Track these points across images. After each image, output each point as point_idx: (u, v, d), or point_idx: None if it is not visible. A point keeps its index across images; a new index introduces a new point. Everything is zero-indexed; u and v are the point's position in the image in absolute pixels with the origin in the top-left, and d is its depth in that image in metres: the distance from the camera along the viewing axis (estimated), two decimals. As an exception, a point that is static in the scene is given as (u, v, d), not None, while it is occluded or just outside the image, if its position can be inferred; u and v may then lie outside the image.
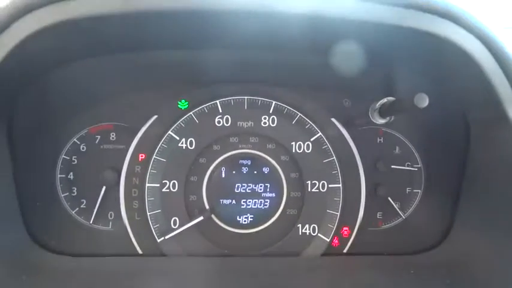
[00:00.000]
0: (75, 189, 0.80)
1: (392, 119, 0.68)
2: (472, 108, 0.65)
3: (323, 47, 0.63)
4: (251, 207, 0.80)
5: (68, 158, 0.80)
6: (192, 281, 0.65)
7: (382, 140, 0.83)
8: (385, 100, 0.66)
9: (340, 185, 0.77)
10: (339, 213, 0.77)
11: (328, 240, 0.77)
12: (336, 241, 0.79)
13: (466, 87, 0.61)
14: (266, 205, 0.79)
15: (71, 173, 0.80)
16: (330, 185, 0.78)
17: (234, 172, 0.79)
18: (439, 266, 0.68)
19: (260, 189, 0.80)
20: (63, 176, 0.80)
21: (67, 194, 0.80)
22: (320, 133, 0.78)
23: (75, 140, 0.80)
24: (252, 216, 0.79)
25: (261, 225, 0.79)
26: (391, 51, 0.60)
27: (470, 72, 0.57)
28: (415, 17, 0.53)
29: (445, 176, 0.78)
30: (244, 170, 0.80)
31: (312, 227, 0.78)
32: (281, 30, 0.55)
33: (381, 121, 0.68)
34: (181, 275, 0.67)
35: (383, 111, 0.66)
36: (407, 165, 0.83)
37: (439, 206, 0.79)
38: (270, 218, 0.79)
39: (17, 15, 0.47)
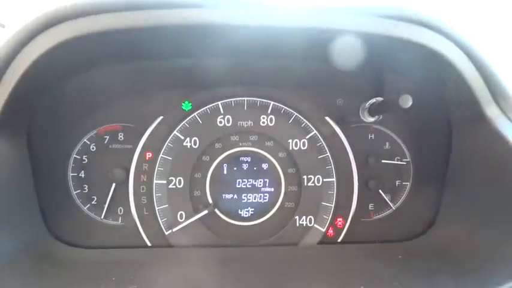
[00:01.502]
0: (87, 186, 0.85)
1: (380, 117, 0.74)
2: (454, 108, 0.71)
3: (318, 55, 0.69)
4: (251, 201, 0.85)
5: (79, 157, 0.85)
6: (197, 269, 0.71)
7: (373, 136, 0.89)
8: (374, 100, 0.72)
9: (334, 179, 0.83)
10: (333, 206, 0.83)
11: (323, 230, 0.83)
12: (331, 231, 0.85)
13: (448, 90, 0.66)
14: (265, 199, 0.85)
15: (82, 172, 0.85)
16: (324, 179, 0.83)
17: (235, 168, 0.85)
18: (426, 251, 0.74)
19: (260, 184, 0.85)
20: (75, 174, 0.85)
21: (79, 191, 0.85)
22: (315, 131, 0.83)
23: (85, 140, 0.85)
24: (252, 209, 0.85)
25: (261, 217, 0.85)
26: (381, 57, 0.66)
27: (452, 77, 0.62)
28: (404, 29, 0.59)
29: (432, 169, 0.84)
30: (245, 166, 0.85)
31: (308, 218, 0.84)
32: (279, 42, 0.60)
33: (370, 119, 0.74)
34: (187, 264, 0.73)
35: (372, 110, 0.72)
36: (397, 160, 0.89)
37: (426, 197, 0.85)
38: (269, 211, 0.85)
39: (34, 32, 0.53)
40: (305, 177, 0.83)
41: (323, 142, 0.83)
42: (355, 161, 0.85)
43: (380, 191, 0.88)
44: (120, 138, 0.86)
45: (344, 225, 0.84)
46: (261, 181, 0.85)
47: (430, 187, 0.84)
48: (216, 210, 0.83)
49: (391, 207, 0.88)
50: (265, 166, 0.85)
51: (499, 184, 0.64)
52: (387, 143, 0.89)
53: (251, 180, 0.85)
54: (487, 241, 0.65)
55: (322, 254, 0.78)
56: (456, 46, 0.58)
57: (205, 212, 0.81)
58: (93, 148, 0.86)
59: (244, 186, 0.85)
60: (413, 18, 0.56)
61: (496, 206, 0.65)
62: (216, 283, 0.63)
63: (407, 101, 0.59)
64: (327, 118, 0.85)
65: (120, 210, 0.86)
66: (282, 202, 0.85)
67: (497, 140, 0.63)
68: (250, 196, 0.85)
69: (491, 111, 0.64)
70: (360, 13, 0.56)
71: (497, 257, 0.61)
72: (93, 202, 0.86)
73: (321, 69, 0.77)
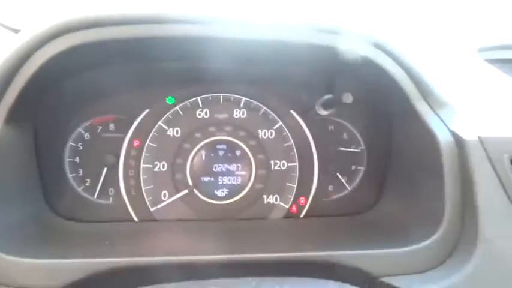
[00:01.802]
0: (81, 170, 0.97)
1: (332, 111, 0.87)
2: (392, 104, 0.85)
3: (282, 60, 0.83)
4: (226, 183, 0.98)
5: (74, 144, 0.97)
6: (179, 238, 0.84)
7: (332, 127, 1.02)
8: (326, 97, 0.86)
9: (297, 164, 0.97)
10: (295, 186, 0.97)
11: (287, 207, 0.97)
12: (295, 208, 0.98)
13: (385, 89, 0.80)
14: (238, 181, 0.98)
15: (77, 157, 0.97)
16: (289, 164, 0.97)
17: (212, 155, 0.97)
18: (372, 221, 0.89)
19: (234, 168, 0.98)
20: (71, 159, 0.97)
21: (74, 174, 0.96)
22: (281, 122, 0.97)
23: (80, 130, 0.97)
24: (227, 190, 0.98)
25: (235, 197, 0.98)
26: (330, 63, 0.80)
27: (386, 80, 0.76)
28: (343, 41, 0.72)
29: (381, 155, 0.98)
30: (221, 153, 0.98)
31: (274, 197, 0.97)
32: (249, 50, 0.74)
33: (324, 112, 0.88)
34: (170, 234, 0.86)
35: (325, 105, 0.86)
36: (353, 148, 1.03)
37: (376, 179, 0.99)
38: (242, 191, 0.98)
39: (46, 39, 0.65)
40: (272, 162, 0.97)
41: (287, 132, 0.97)
42: (316, 149, 0.99)
43: (338, 174, 1.02)
44: (111, 128, 0.98)
45: (306, 203, 0.98)
46: (234, 166, 0.98)
47: (379, 170, 0.99)
48: (195, 191, 0.96)
49: (347, 188, 1.02)
50: (238, 153, 0.98)
51: (425, 168, 0.78)
52: (345, 134, 1.03)
53: (226, 165, 0.98)
54: (414, 212, 0.80)
55: (286, 226, 0.92)
56: (387, 55, 0.72)
57: (186, 191, 0.94)
58: (87, 137, 0.97)
59: (220, 170, 0.98)
60: (351, 33, 0.70)
61: (422, 186, 0.79)
62: (193, 246, 0.76)
63: (348, 98, 0.73)
64: (292, 111, 0.98)
65: (111, 191, 0.97)
66: (252, 183, 0.98)
67: (425, 131, 0.77)
68: (225, 178, 0.98)
69: (421, 107, 0.77)
70: (310, 29, 0.70)
71: (419, 224, 0.76)
72: (86, 184, 0.97)
73: (286, 71, 0.90)
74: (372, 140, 1.01)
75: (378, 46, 0.74)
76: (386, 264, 0.69)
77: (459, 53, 0.96)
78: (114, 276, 0.65)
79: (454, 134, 0.74)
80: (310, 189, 0.99)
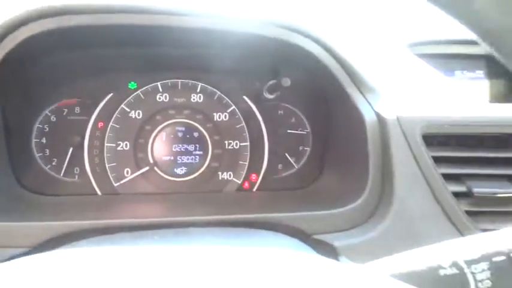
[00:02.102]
0: (48, 150, 1.04)
1: (277, 94, 0.99)
2: (327, 89, 0.97)
3: (233, 49, 0.93)
4: (185, 162, 1.08)
5: (41, 126, 1.03)
6: (141, 208, 0.93)
7: (282, 112, 1.14)
8: (270, 82, 0.97)
9: (248, 144, 1.08)
10: (247, 164, 1.08)
11: (239, 182, 1.08)
12: (247, 184, 1.09)
13: (321, 76, 0.92)
14: (196, 160, 1.08)
15: (44, 138, 1.04)
16: (241, 144, 1.08)
17: (172, 136, 1.07)
18: (313, 193, 1.01)
19: (192, 149, 1.08)
20: (38, 140, 1.03)
21: (41, 154, 1.03)
22: (234, 106, 1.07)
23: (46, 112, 1.03)
24: (185, 168, 1.07)
25: (193, 174, 1.07)
26: (274, 53, 0.91)
27: (320, 68, 0.88)
28: (284, 33, 0.84)
29: (324, 137, 1.11)
30: (180, 134, 1.07)
31: (228, 173, 1.08)
32: (206, 40, 0.84)
33: (271, 96, 0.99)
34: (131, 203, 0.95)
35: (270, 90, 0.97)
36: (300, 130, 1.15)
37: (320, 158, 1.11)
38: (199, 169, 1.08)
39: (20, 23, 0.73)
40: (226, 142, 1.07)
41: (240, 115, 1.07)
42: (267, 131, 1.10)
43: (286, 154, 1.14)
44: (77, 111, 1.05)
45: (257, 180, 1.09)
46: (192, 146, 1.08)
47: (323, 150, 1.11)
48: (156, 168, 1.05)
49: (295, 167, 1.14)
50: (196, 134, 1.08)
51: (355, 145, 0.91)
52: (293, 118, 1.14)
53: (185, 145, 1.08)
54: (346, 182, 0.92)
55: (237, 196, 1.04)
56: (319, 46, 0.84)
57: (147, 168, 1.03)
58: (53, 119, 1.04)
59: (179, 150, 1.07)
60: (290, 26, 0.82)
61: (353, 160, 0.92)
62: (154, 214, 0.86)
63: (286, 82, 0.85)
64: (244, 97, 1.09)
65: (77, 169, 1.05)
66: (209, 162, 1.08)
67: (355, 113, 0.89)
68: (184, 158, 1.07)
69: (351, 91, 0.90)
70: (256, 21, 0.81)
71: (349, 191, 0.88)
72: (53, 163, 1.04)
73: (238, 59, 1.00)
74: (316, 123, 1.13)
75: (314, 39, 0.85)
76: (318, 224, 0.81)
77: (389, 46, 1.09)
78: (81, 236, 0.74)
79: (377, 114, 0.87)
80: (261, 167, 1.10)
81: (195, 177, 1.08)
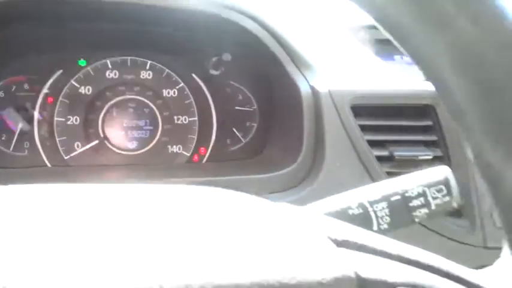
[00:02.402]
0: (-3, 126, 1.05)
1: (222, 70, 1.06)
2: (267, 65, 1.04)
3: (179, 26, 0.98)
4: (136, 136, 1.12)
5: (-11, 102, 1.05)
6: (91, 178, 0.97)
7: (230, 89, 1.20)
8: (214, 58, 1.03)
9: (197, 119, 1.14)
10: (195, 137, 1.14)
11: (189, 155, 1.14)
12: (196, 157, 1.15)
13: (260, 53, 0.99)
14: (146, 135, 1.12)
15: (-8, 114, 1.05)
16: (190, 119, 1.14)
17: (122, 111, 1.11)
18: (258, 162, 1.09)
19: (142, 124, 1.12)
20: (-14, 116, 1.05)
21: (-11, 129, 1.05)
22: (182, 83, 1.12)
23: (-6, 88, 1.05)
24: (136, 142, 1.12)
25: (143, 148, 1.12)
26: (213, 29, 0.97)
27: (261, 47, 0.95)
28: (228, 13, 0.90)
29: (269, 112, 1.18)
30: (131, 110, 1.11)
31: (178, 147, 1.13)
32: (153, 17, 0.89)
33: (215, 72, 1.06)
34: (83, 175, 0.99)
35: (214, 66, 1.04)
36: (247, 107, 1.22)
37: (266, 132, 1.19)
38: (150, 143, 1.12)
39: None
40: (175, 117, 1.13)
41: (189, 92, 1.13)
42: (215, 107, 1.16)
43: (234, 129, 1.20)
44: (26, 87, 1.07)
45: (206, 153, 1.16)
46: (143, 121, 1.12)
47: (268, 125, 1.19)
48: (106, 142, 1.09)
49: (242, 141, 1.21)
50: (146, 110, 1.12)
51: (294, 117, 0.99)
52: (240, 95, 1.21)
53: (135, 120, 1.12)
54: (286, 151, 1.01)
55: (186, 166, 1.10)
56: (256, 23, 0.91)
57: (97, 142, 1.07)
58: (1, 95, 1.05)
59: (130, 125, 1.12)
60: (228, 3, 0.88)
61: (292, 132, 1.00)
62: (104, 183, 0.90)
63: (227, 57, 0.92)
64: (193, 74, 1.14)
65: (27, 144, 1.07)
66: (159, 136, 1.13)
67: (292, 88, 0.97)
68: (134, 132, 1.12)
69: (290, 68, 0.97)
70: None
71: (287, 158, 0.96)
72: (2, 138, 1.06)
73: (185, 36, 1.06)
74: (262, 100, 1.21)
75: (254, 18, 0.92)
76: (255, 186, 0.89)
77: (330, 29, 1.17)
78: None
79: (312, 88, 0.95)
80: (209, 141, 1.16)
81: (145, 151, 1.12)
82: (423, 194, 0.57)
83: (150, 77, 1.11)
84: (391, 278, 0.34)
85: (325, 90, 0.94)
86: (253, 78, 1.19)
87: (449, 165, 0.88)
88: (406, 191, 0.58)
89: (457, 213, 0.91)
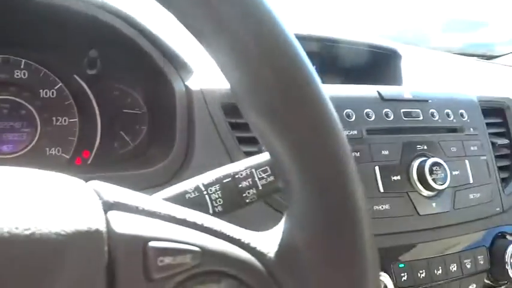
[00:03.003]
0: None
1: (99, 69, 1.05)
2: (145, 66, 1.06)
3: (53, 24, 0.97)
4: (11, 139, 1.07)
5: None
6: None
7: (117, 92, 1.19)
8: (86, 58, 1.03)
9: (77, 120, 1.11)
10: (75, 139, 1.11)
11: (68, 157, 1.10)
12: (79, 160, 1.12)
13: (138, 54, 1.00)
14: (23, 137, 1.08)
15: None
16: (70, 120, 1.11)
17: (-4, 113, 1.06)
18: (142, 162, 1.08)
19: (18, 126, 1.08)
20: None
21: None
22: (61, 83, 1.10)
23: None
24: (12, 145, 1.07)
25: (20, 151, 1.08)
26: (87, 28, 0.97)
27: (133, 45, 0.96)
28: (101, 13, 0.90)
29: (159, 115, 1.18)
30: (5, 111, 1.07)
31: (57, 149, 1.10)
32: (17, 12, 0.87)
33: (92, 72, 1.05)
34: None
35: (90, 65, 1.03)
36: (136, 110, 1.21)
37: (156, 135, 1.19)
38: (28, 146, 1.08)
39: None
40: (54, 118, 1.10)
41: (68, 92, 1.11)
42: (99, 109, 1.14)
43: (122, 132, 1.19)
44: None
45: (89, 156, 1.13)
46: (19, 123, 1.08)
47: (158, 127, 1.19)
48: (-24, 144, 1.03)
49: (131, 145, 1.20)
50: (23, 112, 1.08)
51: (172, 117, 1.00)
52: (129, 98, 1.21)
53: (11, 122, 1.07)
54: (160, 149, 1.01)
55: (66, 170, 1.06)
56: (131, 26, 0.92)
57: (-38, 143, 1.01)
58: None
59: (5, 127, 1.07)
60: (104, 6, 0.89)
61: (169, 130, 1.01)
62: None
63: (94, 53, 0.92)
64: (75, 75, 1.12)
65: None
66: (38, 139, 1.09)
67: (169, 88, 0.99)
68: (9, 135, 1.07)
69: (167, 69, 0.99)
70: None
71: (160, 157, 0.97)
72: None
73: (60, 34, 1.04)
74: (152, 102, 1.21)
75: (125, 19, 0.93)
76: (133, 182, 0.87)
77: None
78: None
79: (186, 87, 0.97)
80: (94, 144, 1.14)
81: (22, 154, 1.07)
82: (251, 175, 0.60)
83: (26, 76, 1.07)
84: (144, 233, 0.35)
85: (197, 88, 0.96)
86: (141, 80, 1.19)
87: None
88: (236, 173, 0.60)
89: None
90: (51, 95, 1.10)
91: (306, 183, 0.41)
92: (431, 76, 1.69)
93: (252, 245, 0.42)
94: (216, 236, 0.39)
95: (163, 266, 0.32)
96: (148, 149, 1.14)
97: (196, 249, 0.35)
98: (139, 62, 1.07)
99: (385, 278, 0.87)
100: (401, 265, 0.94)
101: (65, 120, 1.10)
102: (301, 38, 1.59)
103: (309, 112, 0.39)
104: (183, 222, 0.39)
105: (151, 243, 0.33)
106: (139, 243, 0.33)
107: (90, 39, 1.03)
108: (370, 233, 0.40)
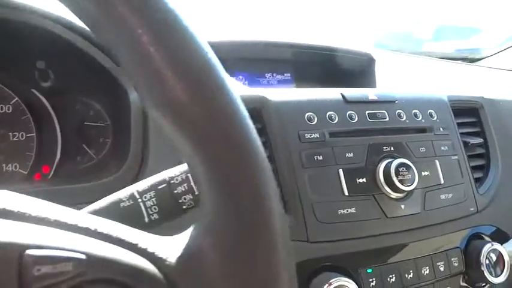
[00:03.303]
0: None
1: (52, 81, 1.03)
2: (102, 77, 1.03)
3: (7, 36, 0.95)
4: (-33, 156, 1.05)
5: None
6: None
7: (78, 106, 1.17)
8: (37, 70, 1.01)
9: (34, 135, 1.09)
10: (33, 155, 1.08)
11: (26, 173, 1.07)
12: (39, 176, 1.09)
13: (90, 65, 0.98)
14: (-21, 154, 1.05)
15: None
16: (27, 135, 1.08)
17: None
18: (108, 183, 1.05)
19: (-26, 143, 1.06)
20: None
21: None
22: (17, 98, 1.07)
23: None
24: (-33, 163, 1.04)
25: (-24, 169, 1.05)
26: (38, 39, 0.95)
27: (85, 56, 0.94)
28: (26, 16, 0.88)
29: (124, 127, 1.15)
30: (-41, 129, 1.05)
31: (14, 165, 1.07)
32: None
33: (47, 84, 1.03)
34: None
35: (42, 78, 1.01)
36: (100, 123, 1.19)
37: (122, 147, 1.15)
38: (-17, 163, 1.06)
39: None
40: (11, 133, 1.07)
41: (24, 107, 1.08)
42: (58, 122, 1.12)
43: (84, 145, 1.16)
44: None
45: (49, 171, 1.10)
46: (-25, 140, 1.05)
47: (123, 140, 1.16)
48: None
49: (95, 158, 1.17)
50: (-21, 128, 1.06)
51: (130, 127, 0.97)
52: (91, 111, 1.18)
53: (-34, 139, 1.05)
54: (117, 160, 0.98)
55: (24, 185, 1.03)
56: (80, 37, 0.91)
57: None
58: None
59: (-41, 145, 1.04)
60: (33, 8, 0.87)
61: (125, 141, 0.98)
62: None
63: (41, 65, 0.90)
64: (33, 90, 1.10)
65: None
66: (-7, 155, 1.06)
67: (125, 98, 0.96)
68: (-35, 152, 1.04)
69: (121, 78, 0.97)
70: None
71: (115, 168, 0.94)
72: None
73: (14, 47, 1.02)
74: (115, 114, 1.18)
75: (70, 27, 0.91)
76: (92, 193, 0.84)
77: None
78: None
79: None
80: (54, 159, 1.11)
81: (-22, 170, 1.05)
82: (187, 180, 0.57)
83: (-21, 92, 1.05)
84: (22, 240, 0.33)
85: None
86: (101, 92, 1.16)
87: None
88: (172, 178, 0.58)
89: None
90: (7, 110, 1.07)
91: (213, 184, 0.39)
92: (410, 80, 1.68)
93: (150, 250, 0.39)
94: (109, 242, 0.36)
95: (40, 275, 0.30)
96: (110, 160, 1.11)
97: (81, 256, 0.32)
98: (96, 73, 1.05)
99: (350, 284, 0.83)
100: (369, 270, 0.90)
101: (22, 135, 1.08)
102: (276, 45, 1.59)
103: (212, 110, 0.38)
104: (72, 228, 0.36)
105: (29, 251, 0.30)
106: (15, 251, 0.30)
107: (39, 51, 1.02)
108: (283, 235, 0.38)
